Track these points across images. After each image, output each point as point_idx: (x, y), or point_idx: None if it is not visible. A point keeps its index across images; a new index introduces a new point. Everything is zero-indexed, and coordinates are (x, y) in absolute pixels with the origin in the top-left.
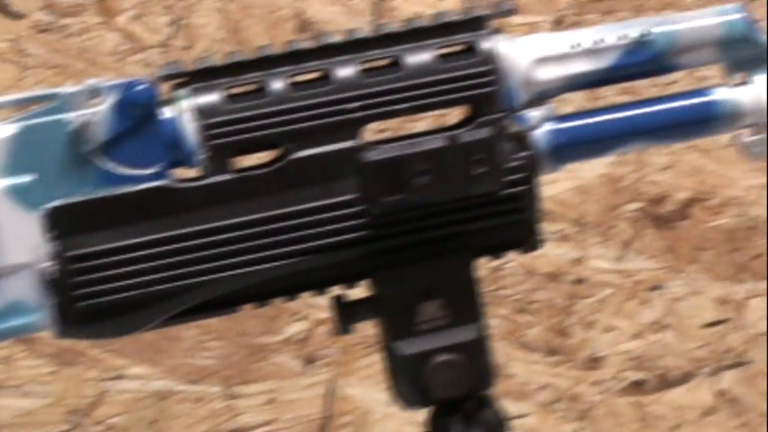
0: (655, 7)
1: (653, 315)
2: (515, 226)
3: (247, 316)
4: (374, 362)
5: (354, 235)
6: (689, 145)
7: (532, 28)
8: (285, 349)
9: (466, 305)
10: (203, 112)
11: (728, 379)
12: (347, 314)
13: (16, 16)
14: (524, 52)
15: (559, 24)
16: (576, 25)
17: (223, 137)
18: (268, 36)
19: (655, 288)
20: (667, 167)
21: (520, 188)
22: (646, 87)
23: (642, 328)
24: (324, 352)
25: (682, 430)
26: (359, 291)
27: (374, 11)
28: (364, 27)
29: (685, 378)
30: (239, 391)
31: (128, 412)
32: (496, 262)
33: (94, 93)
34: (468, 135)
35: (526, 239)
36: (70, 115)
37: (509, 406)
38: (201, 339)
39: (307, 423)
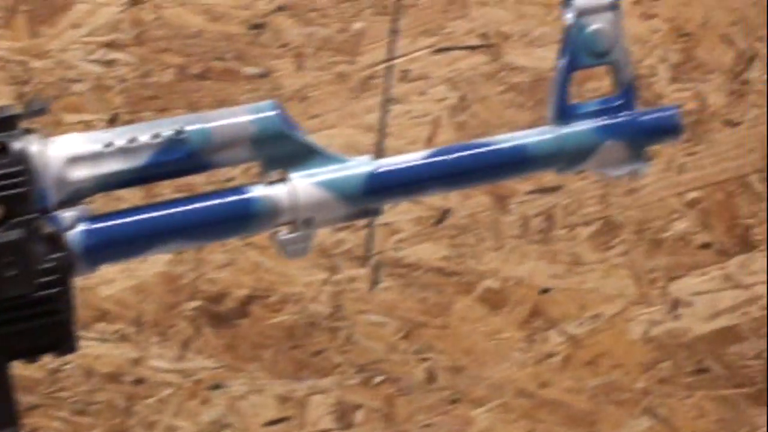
0: (210, 104)
1: (214, 414)
2: (50, 328)
3: None
4: None
5: None
6: (247, 242)
7: (87, 126)
8: None
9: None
10: None
11: None
12: None
13: None
14: (57, 152)
15: (114, 122)
16: (131, 122)
17: None
18: None
19: (215, 387)
20: (225, 265)
21: (54, 290)
22: (203, 184)
23: (203, 428)
24: None
25: None
26: None
27: None
28: None
29: None
30: None
31: None
32: (55, 363)
33: None
34: None
35: (63, 341)
36: None
37: None
38: None
39: None
